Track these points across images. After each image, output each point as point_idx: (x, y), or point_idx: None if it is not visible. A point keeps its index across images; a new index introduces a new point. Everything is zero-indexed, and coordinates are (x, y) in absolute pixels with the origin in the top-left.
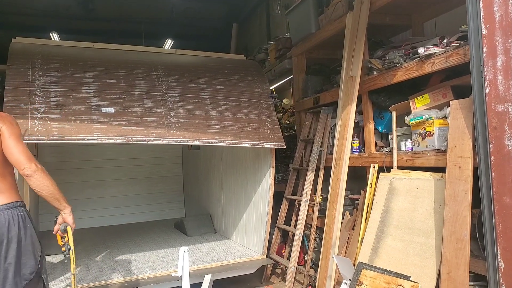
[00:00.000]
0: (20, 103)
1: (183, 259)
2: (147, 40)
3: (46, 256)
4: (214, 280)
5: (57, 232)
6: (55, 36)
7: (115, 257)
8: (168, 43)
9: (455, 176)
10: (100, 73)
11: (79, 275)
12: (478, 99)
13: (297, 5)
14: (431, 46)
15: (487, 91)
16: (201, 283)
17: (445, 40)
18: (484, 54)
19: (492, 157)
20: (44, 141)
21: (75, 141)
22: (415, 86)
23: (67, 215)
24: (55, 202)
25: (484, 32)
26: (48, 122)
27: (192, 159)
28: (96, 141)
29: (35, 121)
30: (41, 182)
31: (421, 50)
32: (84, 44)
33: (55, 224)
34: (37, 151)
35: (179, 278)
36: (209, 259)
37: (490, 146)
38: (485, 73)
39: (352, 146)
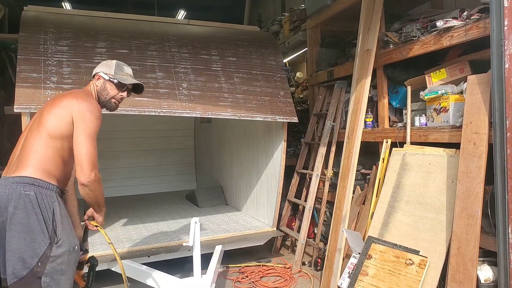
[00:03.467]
0: (32, 72)
1: (194, 229)
2: (160, 11)
3: None
4: (224, 250)
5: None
6: (67, 6)
7: (128, 227)
8: (181, 14)
9: (469, 153)
10: (112, 43)
11: (92, 243)
12: (497, 74)
13: None
14: (450, 19)
15: (506, 66)
16: (211, 254)
17: (465, 13)
18: (506, 28)
19: (508, 134)
20: None
21: None
22: (432, 61)
23: (98, 216)
24: (95, 206)
25: (506, 5)
26: (61, 92)
27: (204, 132)
28: (108, 112)
29: (48, 90)
30: (91, 192)
31: (439, 23)
32: (96, 14)
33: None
34: None
35: (190, 248)
36: (220, 230)
37: (507, 122)
38: (506, 47)
39: (365, 121)
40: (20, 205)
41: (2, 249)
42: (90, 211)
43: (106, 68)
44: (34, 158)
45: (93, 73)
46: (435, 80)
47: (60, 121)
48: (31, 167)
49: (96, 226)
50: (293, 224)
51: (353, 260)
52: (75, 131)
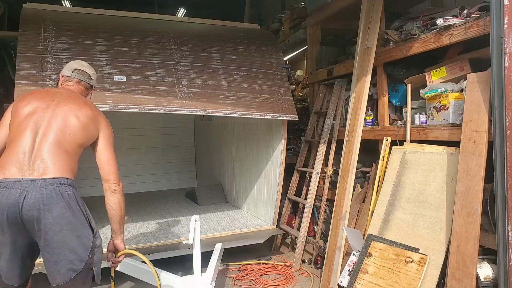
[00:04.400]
0: (32, 69)
1: (194, 227)
2: (160, 9)
3: None
4: (224, 248)
5: (111, 261)
6: (66, 3)
7: (128, 225)
8: (181, 12)
9: (469, 151)
10: (112, 40)
11: None
12: (497, 72)
13: None
14: (450, 17)
15: (506, 64)
16: (211, 252)
17: (465, 11)
18: (505, 26)
19: (508, 132)
20: None
21: None
22: (432, 59)
23: (120, 241)
24: (118, 224)
25: (506, 3)
26: None
27: (204, 130)
28: (108, 110)
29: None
30: (120, 200)
31: (439, 21)
32: (96, 11)
33: (108, 252)
34: None
35: (190, 246)
36: (220, 228)
37: (507, 120)
38: (505, 45)
39: (365, 119)
40: (66, 205)
41: (22, 251)
42: (110, 246)
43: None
44: (66, 161)
45: (92, 84)
46: (435, 78)
47: (89, 135)
48: (66, 169)
49: (122, 254)
50: (293, 222)
51: (353, 258)
52: (102, 145)
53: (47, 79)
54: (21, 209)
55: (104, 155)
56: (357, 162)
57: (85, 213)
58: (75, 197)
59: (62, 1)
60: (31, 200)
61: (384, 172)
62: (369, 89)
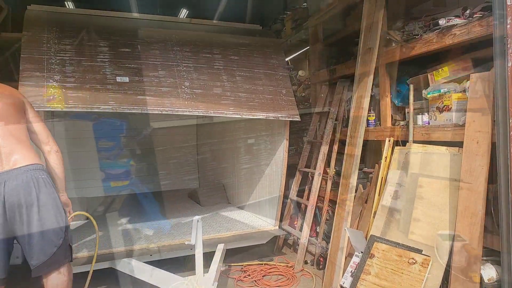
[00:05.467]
0: (36, 71)
1: (196, 228)
2: (162, 9)
3: None
4: (226, 249)
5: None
6: (69, 5)
7: (130, 226)
8: (183, 13)
9: (472, 151)
10: (115, 42)
11: (94, 242)
12: (500, 72)
13: None
14: (453, 17)
15: (509, 64)
16: (214, 252)
17: (467, 11)
18: (508, 26)
19: (511, 133)
20: (60, 109)
21: (90, 110)
22: (435, 59)
23: (67, 197)
24: (63, 180)
25: (509, 3)
26: (64, 90)
27: (206, 130)
28: (110, 110)
29: (51, 89)
30: (62, 158)
31: (442, 22)
32: (99, 13)
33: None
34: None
35: (192, 247)
36: (222, 229)
37: (510, 121)
38: (509, 45)
39: (367, 119)
40: (42, 189)
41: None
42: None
43: None
44: (28, 149)
45: None
46: (438, 79)
47: (19, 108)
48: (32, 156)
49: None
50: (295, 222)
51: (355, 259)
52: (32, 114)
53: (51, 80)
54: (4, 197)
55: (38, 123)
56: (359, 163)
57: (56, 194)
58: (49, 180)
59: (65, 2)
60: (10, 187)
61: (387, 173)
62: (371, 89)
